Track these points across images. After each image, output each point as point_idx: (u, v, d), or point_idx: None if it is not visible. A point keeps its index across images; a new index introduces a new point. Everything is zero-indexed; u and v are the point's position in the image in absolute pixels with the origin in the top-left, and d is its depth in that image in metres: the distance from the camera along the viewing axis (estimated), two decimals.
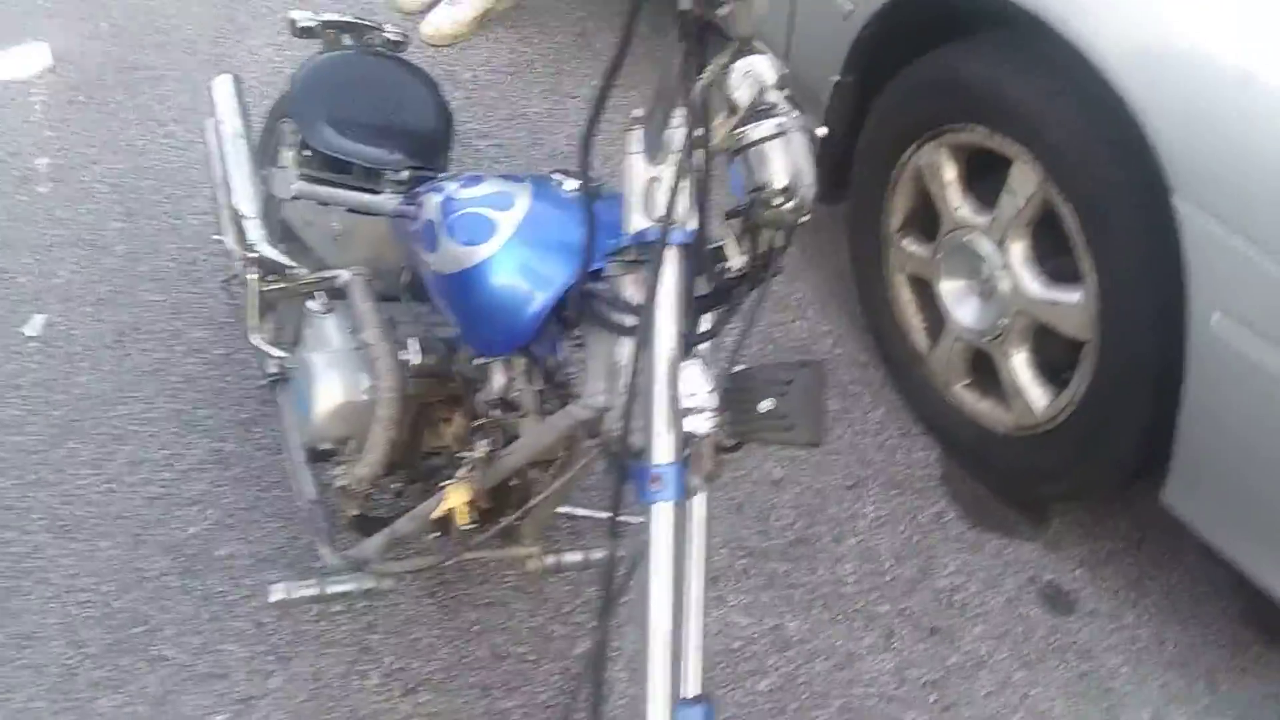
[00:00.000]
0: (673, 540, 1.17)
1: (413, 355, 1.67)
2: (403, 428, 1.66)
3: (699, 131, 1.15)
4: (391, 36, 2.20)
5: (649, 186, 1.22)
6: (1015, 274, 1.95)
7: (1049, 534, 2.15)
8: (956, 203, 2.07)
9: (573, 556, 1.82)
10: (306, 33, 2.13)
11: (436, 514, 1.50)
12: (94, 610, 1.94)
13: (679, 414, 1.17)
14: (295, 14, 2.13)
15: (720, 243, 1.25)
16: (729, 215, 1.25)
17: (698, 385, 1.17)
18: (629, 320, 1.26)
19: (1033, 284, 1.94)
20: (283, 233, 2.08)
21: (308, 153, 2.01)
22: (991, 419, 2.11)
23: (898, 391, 2.37)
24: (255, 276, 1.97)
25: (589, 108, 1.17)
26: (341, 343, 1.78)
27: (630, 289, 1.27)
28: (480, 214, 1.40)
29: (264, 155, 2.16)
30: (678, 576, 1.18)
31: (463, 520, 1.49)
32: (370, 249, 1.90)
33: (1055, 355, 1.98)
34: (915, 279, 2.26)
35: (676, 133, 1.19)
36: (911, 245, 2.23)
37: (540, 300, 1.33)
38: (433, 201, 1.48)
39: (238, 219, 2.05)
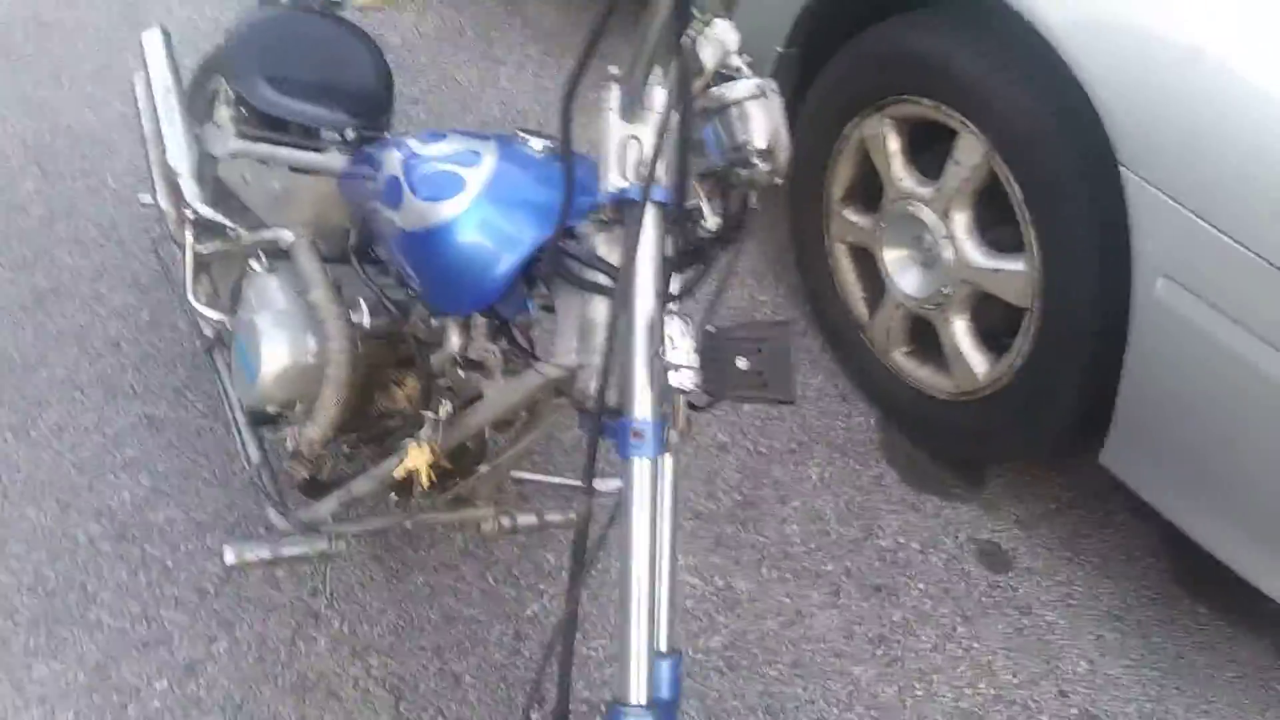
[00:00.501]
0: (651, 495, 1.18)
1: (363, 317, 1.64)
2: (353, 390, 1.64)
3: (688, 87, 1.15)
4: None
5: (626, 145, 1.21)
6: (958, 243, 2.00)
7: (985, 495, 2.22)
8: (900, 174, 2.11)
9: (526, 518, 1.81)
10: None
11: (398, 474, 1.47)
12: (26, 578, 1.87)
13: (659, 371, 1.18)
14: None
15: (694, 203, 1.26)
16: (702, 176, 1.26)
17: (680, 341, 1.18)
18: (602, 279, 1.26)
19: (975, 253, 1.99)
20: (218, 192, 2.03)
21: (244, 110, 1.96)
22: (931, 384, 2.16)
23: (836, 359, 2.41)
24: (191, 236, 1.90)
25: (574, 64, 1.15)
26: (287, 304, 1.73)
27: (604, 248, 1.27)
28: (447, 170, 1.37)
29: (191, 113, 2.09)
30: (653, 533, 1.19)
31: (425, 482, 1.48)
32: (313, 209, 1.85)
33: (995, 322, 2.04)
34: (856, 248, 2.30)
35: (655, 92, 1.19)
36: (853, 215, 2.26)
37: (509, 259, 1.31)
38: (394, 157, 1.45)
39: (171, 177, 1.98)
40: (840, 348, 2.39)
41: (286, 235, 1.77)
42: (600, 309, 1.27)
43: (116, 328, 2.33)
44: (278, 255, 1.79)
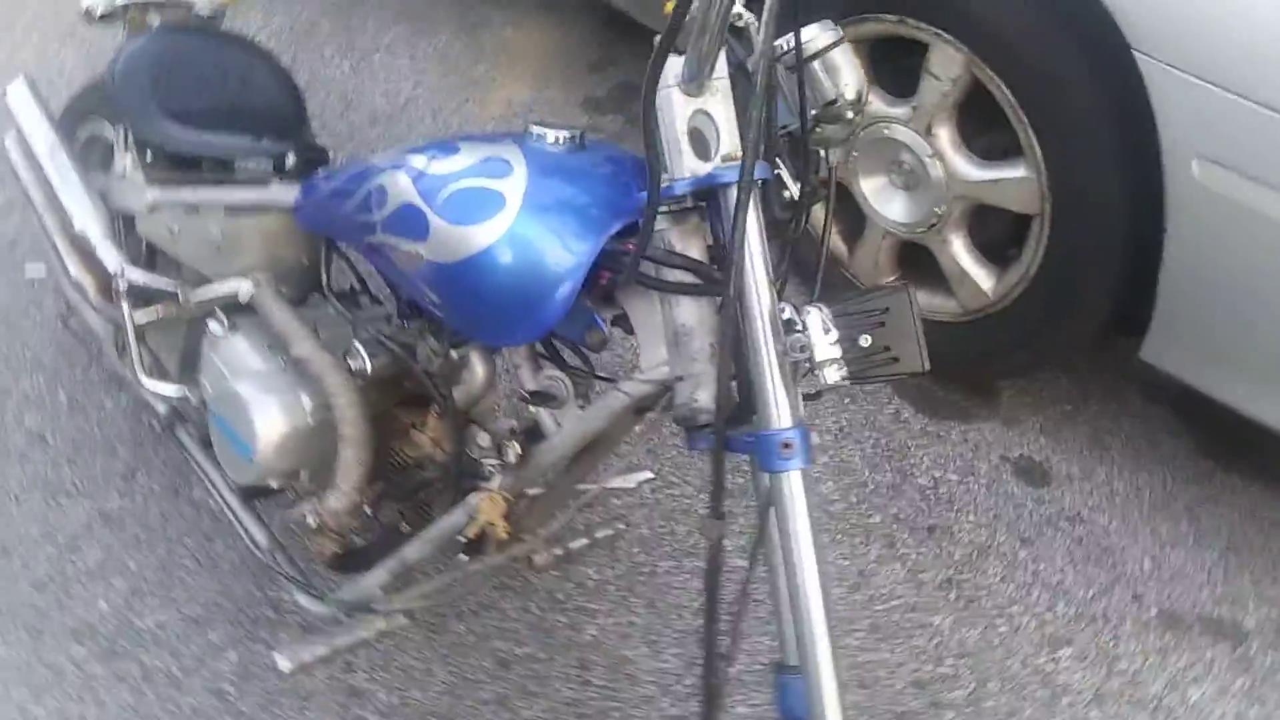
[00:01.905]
0: (808, 508, 1.06)
1: (363, 362, 1.46)
2: (371, 445, 1.45)
3: (771, 45, 1.01)
4: (203, 10, 1.90)
5: (697, 123, 1.07)
6: (948, 160, 1.91)
7: (1002, 411, 2.17)
8: (868, 97, 2.00)
9: (577, 541, 1.66)
10: (107, 18, 1.80)
11: (471, 533, 1.30)
12: None
13: (789, 370, 1.05)
14: (87, 0, 1.80)
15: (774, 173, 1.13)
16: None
17: (821, 335, 1.05)
18: (686, 276, 1.11)
19: (968, 166, 1.90)
20: (138, 251, 1.79)
21: (149, 154, 1.71)
22: (933, 309, 2.08)
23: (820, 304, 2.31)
24: (128, 307, 1.66)
25: (653, 54, 0.99)
26: (264, 364, 1.53)
27: (680, 242, 1.12)
28: (479, 187, 1.19)
29: None
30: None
31: (502, 535, 1.31)
32: (263, 251, 1.63)
33: (994, 234, 1.97)
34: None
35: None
36: None
37: (570, 275, 1.14)
38: (402, 182, 1.25)
39: (83, 245, 1.72)
40: (822, 291, 2.28)
41: (244, 286, 1.56)
42: (690, 311, 1.12)
43: (34, 419, 2.05)
44: (235, 310, 1.58)
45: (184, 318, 1.67)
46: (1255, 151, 1.51)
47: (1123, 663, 1.78)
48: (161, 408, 1.75)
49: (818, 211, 1.24)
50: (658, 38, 1.01)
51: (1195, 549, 1.95)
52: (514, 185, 1.18)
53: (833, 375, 1.06)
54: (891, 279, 2.14)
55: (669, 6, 1.07)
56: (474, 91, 2.84)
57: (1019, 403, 2.18)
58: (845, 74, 1.10)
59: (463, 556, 1.44)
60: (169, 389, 1.67)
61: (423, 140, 1.33)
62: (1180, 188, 1.59)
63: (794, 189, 1.14)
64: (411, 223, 1.23)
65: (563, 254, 1.14)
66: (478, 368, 1.44)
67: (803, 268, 2.33)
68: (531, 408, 1.30)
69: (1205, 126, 1.53)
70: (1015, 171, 1.83)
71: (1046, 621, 1.83)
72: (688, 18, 1.01)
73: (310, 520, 1.48)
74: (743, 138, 1.03)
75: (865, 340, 1.10)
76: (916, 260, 2.09)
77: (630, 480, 1.93)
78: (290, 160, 1.62)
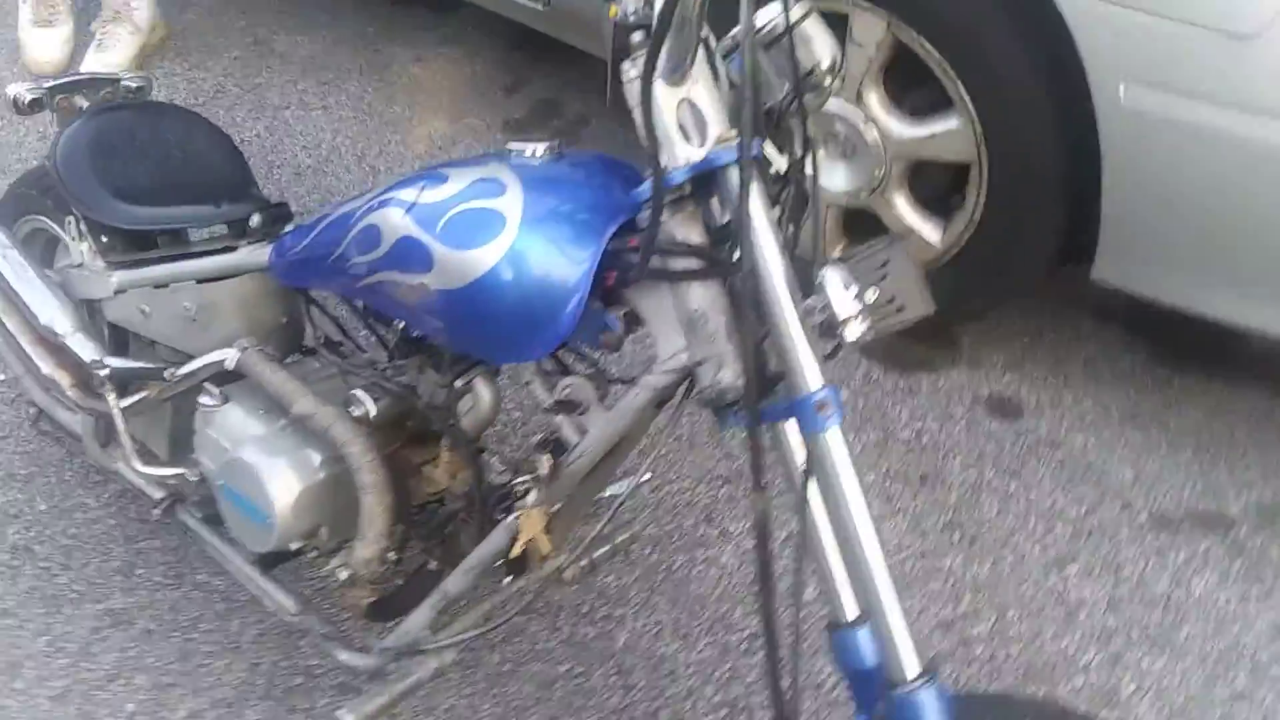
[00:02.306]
0: (851, 461, 1.10)
1: (367, 407, 1.47)
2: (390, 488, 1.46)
3: (752, 24, 1.05)
4: (132, 84, 1.89)
5: (683, 111, 1.10)
6: (881, 122, 1.98)
7: (965, 355, 2.25)
8: None
9: (600, 549, 1.69)
10: (35, 106, 1.78)
11: (517, 551, 1.32)
12: None
13: (813, 333, 1.09)
14: (12, 89, 1.77)
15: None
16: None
17: (842, 291, 1.09)
18: (693, 263, 1.15)
19: (902, 126, 1.98)
20: (106, 338, 1.76)
21: (104, 238, 1.70)
22: None
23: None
24: (115, 396, 1.64)
25: (650, 45, 1.02)
26: (265, 428, 1.53)
27: (681, 230, 1.15)
28: (477, 209, 1.21)
29: None
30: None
31: (546, 548, 1.33)
32: (240, 316, 1.62)
33: (935, 187, 2.05)
34: None
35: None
36: None
37: (578, 282, 1.17)
38: (393, 217, 1.27)
39: (54, 341, 1.69)
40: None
41: (230, 354, 1.55)
42: (701, 295, 1.15)
43: (18, 533, 1.99)
44: (224, 380, 1.58)
45: (168, 397, 1.66)
46: (1175, 66, 1.61)
47: (1126, 569, 1.87)
48: (157, 493, 1.73)
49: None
50: (619, 37, 1.05)
51: (1169, 452, 2.05)
52: (510, 202, 1.20)
53: (856, 330, 1.10)
54: (841, 248, 2.21)
55: (614, 10, 1.12)
56: (394, 132, 2.84)
57: (979, 344, 2.26)
58: (819, 43, 1.14)
59: (507, 578, 1.45)
60: (166, 472, 1.66)
61: (402, 175, 1.34)
62: (1110, 112, 1.68)
63: (780, 162, 1.19)
64: (413, 255, 1.24)
65: (568, 261, 1.17)
66: (483, 393, 1.45)
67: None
68: (556, 418, 1.32)
69: (1127, 51, 1.63)
70: (948, 124, 1.91)
71: (1048, 544, 1.91)
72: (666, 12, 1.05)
73: (341, 574, 1.48)
74: (740, 116, 1.06)
75: (871, 295, 1.15)
76: (859, 227, 2.16)
77: (623, 485, 1.96)
78: (255, 221, 1.61)
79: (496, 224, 1.19)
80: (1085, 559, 1.88)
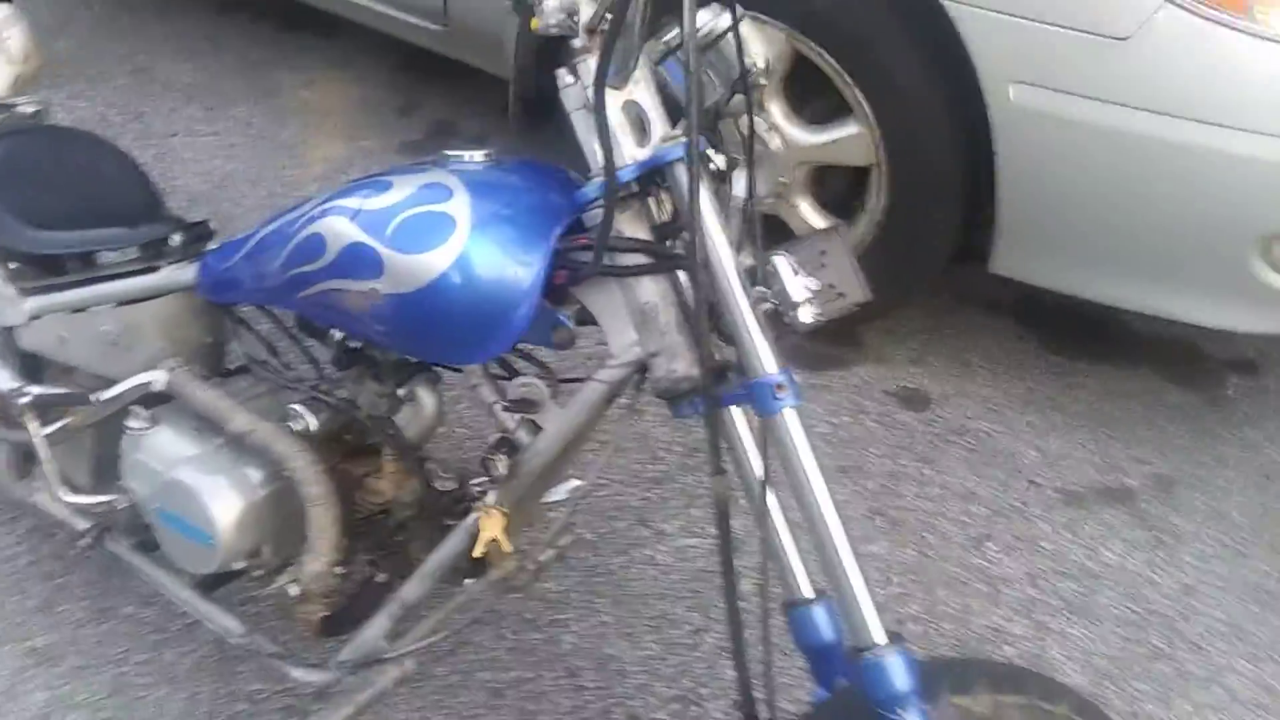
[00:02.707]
0: (808, 439, 1.15)
1: (308, 421, 1.45)
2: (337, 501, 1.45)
3: (694, 28, 1.09)
4: (27, 109, 1.85)
5: (625, 112, 1.15)
6: (783, 131, 2.06)
7: (871, 352, 2.34)
8: None
9: (545, 553, 1.69)
10: None
11: (478, 551, 1.32)
12: None
13: (765, 319, 1.14)
14: None
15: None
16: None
17: (792, 277, 1.14)
18: (644, 259, 1.18)
19: (804, 134, 2.06)
20: (21, 366, 1.70)
21: (13, 265, 1.64)
22: None
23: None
24: (38, 424, 1.58)
25: (601, 50, 1.06)
26: (199, 448, 1.49)
27: (630, 226, 1.19)
28: (428, 212, 1.22)
29: None
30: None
31: (507, 547, 1.34)
32: (165, 336, 1.59)
33: (837, 191, 2.14)
34: None
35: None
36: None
37: (529, 282, 1.18)
38: (339, 225, 1.26)
39: None
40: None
41: (159, 375, 1.52)
42: (652, 289, 1.19)
43: None
44: (148, 403, 1.54)
45: (90, 423, 1.61)
46: (1060, 67, 1.74)
47: (1042, 543, 1.97)
48: (82, 524, 1.66)
49: None
50: (522, 52, 1.08)
51: (1068, 432, 2.18)
52: (459, 206, 1.21)
53: (807, 315, 1.15)
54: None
55: (535, 23, 1.16)
56: (288, 156, 2.80)
57: (883, 341, 2.36)
58: (753, 45, 1.20)
59: (466, 580, 1.45)
60: (94, 500, 1.60)
61: (341, 184, 1.34)
62: (1002, 113, 1.79)
63: (718, 160, 1.23)
64: (361, 262, 1.24)
65: (519, 262, 1.19)
66: (426, 400, 1.46)
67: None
68: (505, 419, 1.33)
69: (1015, 54, 1.75)
70: (848, 129, 2.00)
71: (967, 525, 2.00)
72: (608, 19, 1.09)
73: (291, 590, 1.46)
74: (687, 114, 1.10)
75: (813, 283, 1.21)
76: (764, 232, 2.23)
77: (561, 491, 1.97)
78: (176, 240, 1.58)
79: (447, 227, 1.21)
80: (1003, 536, 1.98)
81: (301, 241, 1.30)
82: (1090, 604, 1.87)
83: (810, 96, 2.06)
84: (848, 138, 2.01)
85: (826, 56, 1.94)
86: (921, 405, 2.24)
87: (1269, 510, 2.03)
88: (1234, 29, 1.63)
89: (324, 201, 1.31)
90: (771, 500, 1.30)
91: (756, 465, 1.28)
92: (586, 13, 1.14)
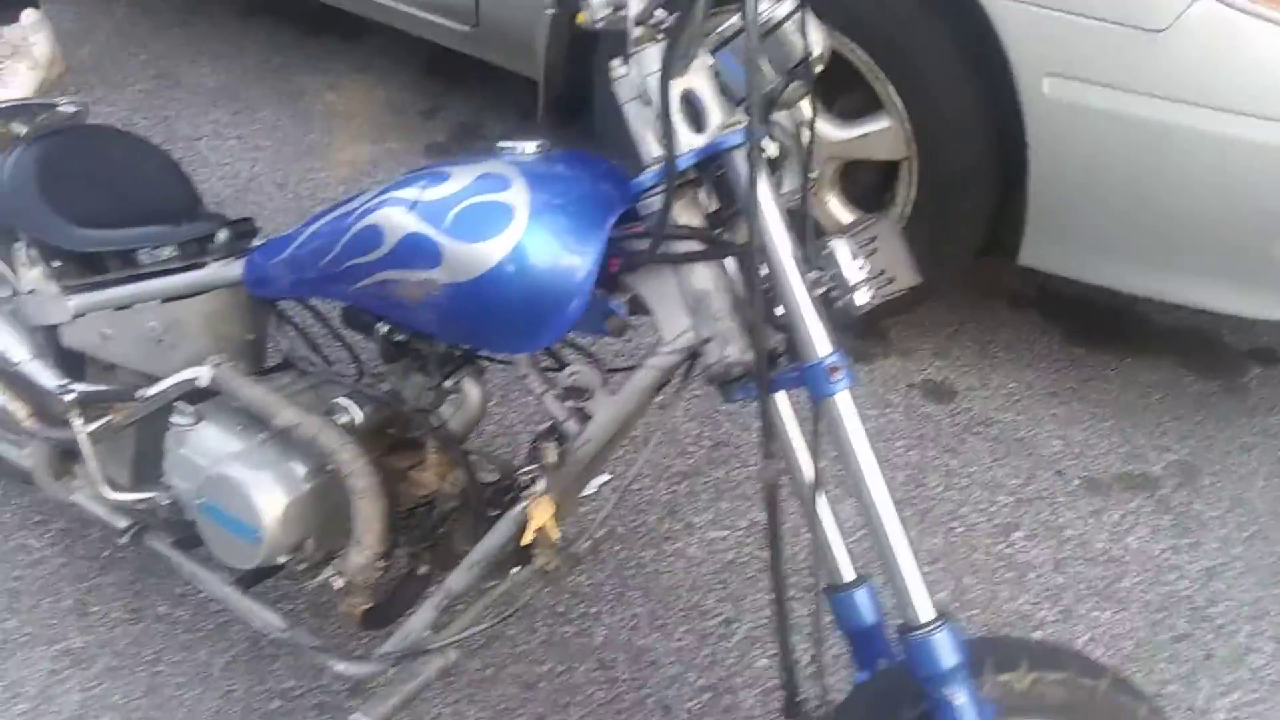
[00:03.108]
0: (862, 422, 1.17)
1: (354, 414, 1.48)
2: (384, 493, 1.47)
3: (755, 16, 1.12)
4: (67, 109, 1.87)
5: (687, 101, 1.17)
6: (815, 127, 2.08)
7: (895, 346, 2.36)
8: None
9: (581, 543, 1.71)
10: None
11: (529, 538, 1.35)
12: None
13: (819, 303, 1.16)
14: None
15: None
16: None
17: (850, 261, 1.16)
18: (699, 245, 1.21)
19: (833, 129, 2.08)
20: (65, 363, 1.73)
21: (57, 263, 1.67)
22: None
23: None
24: (82, 422, 1.60)
25: (670, 39, 1.09)
26: (245, 443, 1.52)
27: (684, 215, 1.21)
28: (487, 202, 1.24)
29: None
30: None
31: (555, 535, 1.36)
32: (209, 333, 1.62)
33: (866, 185, 2.16)
34: None
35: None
36: None
37: (586, 268, 1.22)
38: (397, 215, 1.29)
39: (8, 370, 1.65)
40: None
41: (204, 371, 1.54)
42: (706, 276, 1.21)
43: None
44: (192, 399, 1.56)
45: (134, 420, 1.63)
46: (1095, 60, 1.76)
47: (1067, 531, 1.99)
48: (122, 522, 1.69)
49: None
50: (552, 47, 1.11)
51: (1092, 422, 2.20)
52: (517, 195, 1.24)
53: (864, 297, 1.17)
54: None
55: (581, 16, 1.18)
56: (314, 159, 2.83)
57: (907, 335, 2.38)
58: (813, 32, 1.22)
59: (514, 569, 1.48)
60: (137, 497, 1.63)
61: (397, 176, 1.37)
62: (1036, 105, 1.82)
63: (771, 148, 1.26)
64: (419, 251, 1.27)
65: (575, 250, 1.22)
66: (471, 392, 1.49)
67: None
68: (553, 408, 1.35)
69: (1050, 47, 1.77)
70: (879, 124, 2.02)
71: (993, 514, 2.02)
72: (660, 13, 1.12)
73: (336, 582, 1.48)
74: (748, 99, 1.12)
75: (865, 269, 1.23)
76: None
77: (592, 485, 2.00)
78: (222, 236, 1.61)
79: (505, 216, 1.23)
80: (1028, 525, 2.00)
81: (358, 233, 1.33)
82: (1116, 589, 1.89)
83: (840, 91, 2.08)
84: (878, 132, 2.03)
85: (860, 51, 1.96)
86: (946, 397, 2.26)
87: None
88: (1269, 21, 1.66)
89: (380, 194, 1.34)
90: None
91: (800, 450, 1.31)
92: (636, 6, 1.17)
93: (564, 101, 2.37)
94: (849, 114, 2.08)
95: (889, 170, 2.09)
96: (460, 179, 1.28)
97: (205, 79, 3.13)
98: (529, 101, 2.57)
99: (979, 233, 2.07)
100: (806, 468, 1.33)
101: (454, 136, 2.93)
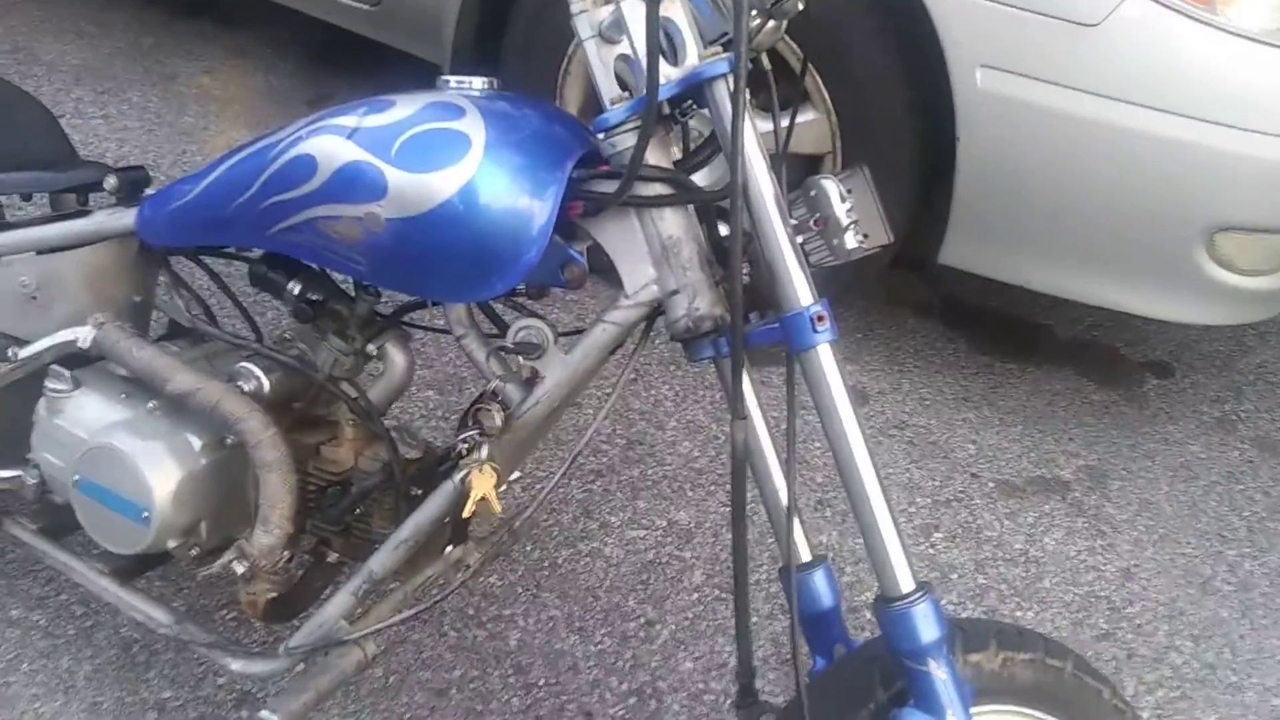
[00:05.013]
0: (843, 376, 1.11)
1: (260, 381, 1.33)
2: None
3: None
4: None
5: (663, 29, 1.09)
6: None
7: None
8: None
9: (495, 536, 1.58)
10: None
11: (467, 512, 1.22)
12: None
13: (800, 249, 1.09)
14: None
15: None
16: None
17: (839, 203, 1.10)
18: (667, 189, 1.12)
19: (757, 121, 2.03)
20: None
21: None
22: None
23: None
24: None
25: None
26: (130, 412, 1.35)
27: (653, 155, 1.13)
28: (440, 129, 1.13)
29: None
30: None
31: (497, 509, 1.24)
32: (92, 290, 1.44)
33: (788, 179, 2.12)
34: None
35: None
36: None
37: (546, 207, 1.11)
38: (330, 145, 1.15)
39: None
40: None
41: (84, 331, 1.36)
42: (676, 222, 1.13)
43: None
44: (68, 364, 1.39)
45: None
46: (1029, 52, 1.76)
47: (985, 532, 1.97)
48: None
49: None
50: None
51: (1002, 427, 2.20)
52: (472, 125, 1.13)
53: (852, 241, 1.11)
54: None
55: None
56: (189, 142, 2.64)
57: None
58: None
59: (448, 548, 1.34)
60: (2, 474, 1.42)
61: (331, 105, 1.24)
62: (968, 97, 1.81)
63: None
64: (360, 183, 1.14)
65: (536, 188, 1.11)
66: (397, 357, 1.36)
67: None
68: (496, 368, 1.24)
69: (984, 37, 1.77)
70: (804, 117, 1.99)
71: (913, 515, 1.99)
72: None
73: (238, 568, 1.32)
74: (735, 26, 1.05)
75: (853, 212, 1.16)
76: None
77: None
78: (111, 183, 1.44)
79: (460, 145, 1.12)
80: (948, 526, 1.97)
81: (284, 165, 1.18)
82: (1036, 589, 1.87)
83: (763, 83, 2.04)
84: (803, 125, 2.00)
85: (788, 41, 1.93)
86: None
87: (1195, 502, 2.09)
88: (1196, 20, 1.70)
89: (311, 123, 1.20)
90: (772, 459, 1.26)
91: (757, 420, 1.24)
92: None
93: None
94: (768, 105, 2.04)
95: (813, 165, 2.06)
96: (408, 106, 1.16)
97: (68, 55, 2.90)
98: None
99: (900, 232, 2.05)
100: (764, 438, 1.26)
101: None
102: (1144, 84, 1.72)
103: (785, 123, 1.26)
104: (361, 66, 2.90)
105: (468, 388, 2.11)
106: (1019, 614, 1.82)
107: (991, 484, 2.08)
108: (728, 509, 1.94)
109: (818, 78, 1.93)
